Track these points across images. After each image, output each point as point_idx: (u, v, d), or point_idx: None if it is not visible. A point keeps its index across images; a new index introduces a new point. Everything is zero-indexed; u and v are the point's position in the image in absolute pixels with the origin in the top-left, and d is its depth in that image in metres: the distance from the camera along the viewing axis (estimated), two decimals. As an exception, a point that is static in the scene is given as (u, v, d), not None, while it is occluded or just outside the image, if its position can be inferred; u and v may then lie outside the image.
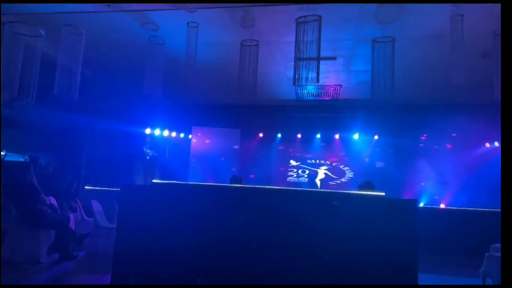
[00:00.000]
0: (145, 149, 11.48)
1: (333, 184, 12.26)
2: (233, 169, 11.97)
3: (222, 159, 12.36)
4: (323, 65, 6.47)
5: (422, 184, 10.87)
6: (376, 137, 11.86)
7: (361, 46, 7.20)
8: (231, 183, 6.96)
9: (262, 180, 11.90)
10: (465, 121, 9.89)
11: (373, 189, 6.21)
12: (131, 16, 6.47)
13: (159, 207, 4.33)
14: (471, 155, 10.64)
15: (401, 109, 10.44)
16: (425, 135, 11.25)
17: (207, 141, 12.59)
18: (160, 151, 11.83)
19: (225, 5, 5.70)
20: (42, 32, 5.83)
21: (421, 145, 11.32)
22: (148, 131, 11.93)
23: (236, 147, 12.62)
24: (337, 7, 5.86)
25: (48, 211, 6.01)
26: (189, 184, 5.83)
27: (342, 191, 9.18)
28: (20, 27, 5.70)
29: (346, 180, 12.33)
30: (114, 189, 8.12)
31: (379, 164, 11.54)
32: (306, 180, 12.36)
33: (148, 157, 11.41)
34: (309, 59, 5.33)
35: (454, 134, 10.70)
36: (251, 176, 12.01)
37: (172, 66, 7.20)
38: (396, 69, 5.74)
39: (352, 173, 12.38)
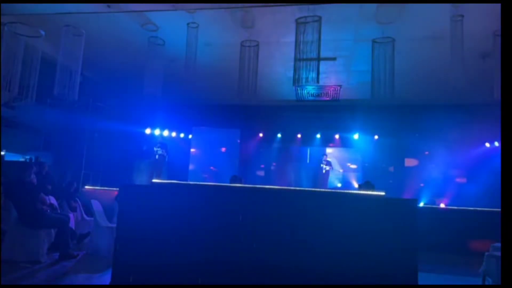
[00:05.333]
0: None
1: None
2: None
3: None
4: (323, 65, 6.50)
5: (421, 185, 10.87)
6: (376, 137, 11.87)
7: (361, 46, 7.20)
8: (231, 182, 6.96)
9: (262, 180, 11.92)
10: (465, 121, 9.90)
11: (373, 189, 6.20)
12: (131, 16, 6.47)
13: (159, 207, 4.33)
14: (471, 155, 10.64)
15: (401, 109, 10.47)
16: (425, 135, 11.25)
17: (207, 141, 12.59)
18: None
19: (225, 6, 5.70)
20: (42, 32, 5.84)
21: (421, 145, 11.32)
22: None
23: (236, 147, 12.63)
24: (337, 8, 5.86)
25: (48, 210, 6.01)
26: (189, 184, 5.82)
27: (342, 190, 9.24)
28: (20, 27, 5.71)
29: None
30: (115, 189, 8.12)
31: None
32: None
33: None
34: (309, 59, 5.34)
35: (454, 134, 10.70)
36: (251, 175, 12.01)
37: (172, 66, 7.21)
38: (396, 69, 5.75)
39: (353, 173, 12.41)
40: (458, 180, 10.84)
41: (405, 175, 11.21)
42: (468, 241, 7.55)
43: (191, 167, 12.47)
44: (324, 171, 11.80)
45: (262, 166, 12.67)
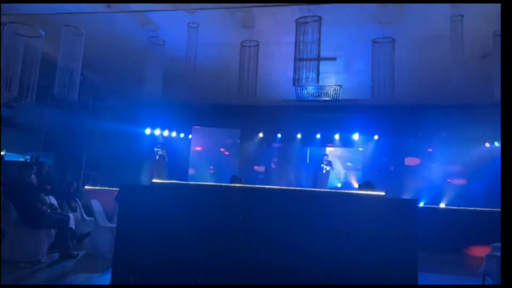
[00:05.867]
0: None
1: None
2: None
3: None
4: (323, 65, 6.48)
5: (427, 182, 10.86)
6: (376, 137, 11.87)
7: (361, 46, 7.20)
8: (231, 182, 6.95)
9: (262, 180, 11.91)
10: (465, 121, 9.90)
11: (373, 189, 6.20)
12: (131, 16, 6.47)
13: (159, 207, 4.33)
14: (471, 155, 10.64)
15: (401, 109, 10.47)
16: (425, 135, 11.25)
17: (207, 141, 12.59)
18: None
19: (225, 6, 5.70)
20: (42, 32, 5.84)
21: (421, 145, 11.32)
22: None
23: (235, 147, 12.63)
24: (337, 8, 5.86)
25: (48, 210, 6.02)
26: (189, 184, 5.83)
27: (342, 191, 9.25)
28: (20, 28, 5.71)
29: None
30: (115, 189, 8.13)
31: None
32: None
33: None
34: (309, 59, 5.34)
35: (454, 134, 10.70)
36: (251, 175, 12.01)
37: (172, 66, 7.21)
38: (396, 69, 5.75)
39: (354, 172, 12.42)
40: (458, 180, 10.83)
41: (405, 175, 11.20)
42: (468, 241, 7.55)
43: (191, 169, 12.46)
44: (324, 171, 11.80)
45: (262, 166, 12.67)
